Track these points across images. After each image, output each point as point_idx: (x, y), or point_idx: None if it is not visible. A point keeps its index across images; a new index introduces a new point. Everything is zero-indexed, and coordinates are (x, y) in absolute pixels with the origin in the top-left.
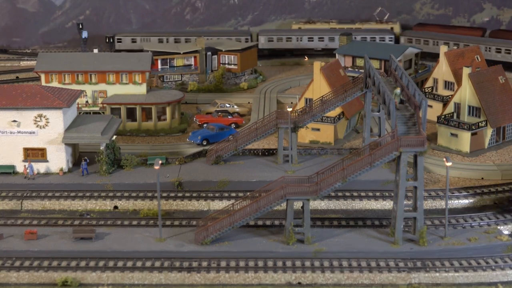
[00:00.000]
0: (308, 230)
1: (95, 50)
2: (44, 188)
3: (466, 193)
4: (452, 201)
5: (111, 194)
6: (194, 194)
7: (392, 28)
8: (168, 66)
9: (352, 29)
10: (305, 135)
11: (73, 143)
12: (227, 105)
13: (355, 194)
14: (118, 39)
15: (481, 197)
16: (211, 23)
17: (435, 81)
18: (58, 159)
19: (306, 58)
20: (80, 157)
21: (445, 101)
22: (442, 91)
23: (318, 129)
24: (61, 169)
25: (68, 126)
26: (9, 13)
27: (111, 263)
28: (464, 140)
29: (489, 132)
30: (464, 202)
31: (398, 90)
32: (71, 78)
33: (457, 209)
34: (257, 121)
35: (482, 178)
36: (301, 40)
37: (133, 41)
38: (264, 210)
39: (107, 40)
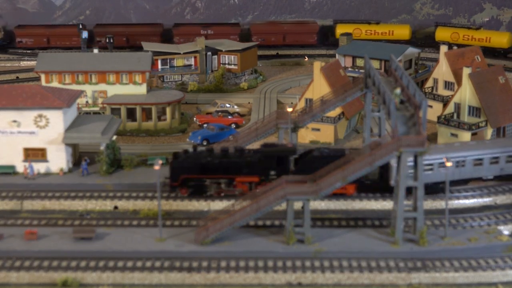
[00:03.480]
0: (308, 230)
1: (95, 50)
2: (44, 188)
3: (466, 193)
4: (452, 201)
5: (111, 194)
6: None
7: None
8: (168, 66)
9: None
10: (305, 135)
11: (73, 143)
12: (227, 105)
13: (355, 194)
14: None
15: (481, 197)
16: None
17: (435, 81)
18: (58, 159)
19: (306, 58)
20: (80, 157)
21: (445, 101)
22: (442, 91)
23: (318, 129)
24: (61, 169)
25: (68, 126)
26: (9, 13)
27: (111, 263)
28: (464, 140)
29: (489, 132)
30: (464, 202)
31: (398, 90)
32: (71, 78)
33: (457, 209)
34: (257, 121)
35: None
36: None
37: None
38: (264, 210)
39: (107, 40)
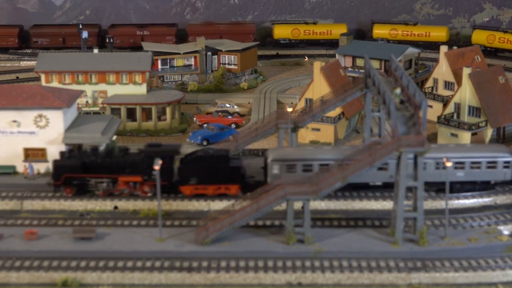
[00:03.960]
0: (308, 230)
1: (95, 50)
2: (44, 188)
3: (466, 193)
4: (452, 201)
5: (111, 194)
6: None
7: None
8: (168, 66)
9: None
10: (305, 135)
11: (73, 143)
12: (227, 105)
13: (355, 194)
14: None
15: (481, 197)
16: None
17: (435, 81)
18: None
19: (306, 58)
20: None
21: (445, 101)
22: (442, 91)
23: (318, 129)
24: None
25: (68, 126)
26: (9, 13)
27: (111, 263)
28: (464, 140)
29: (489, 132)
30: (464, 202)
31: (398, 90)
32: (71, 78)
33: (457, 209)
34: (257, 121)
35: None
36: None
37: None
38: (264, 210)
39: (107, 40)
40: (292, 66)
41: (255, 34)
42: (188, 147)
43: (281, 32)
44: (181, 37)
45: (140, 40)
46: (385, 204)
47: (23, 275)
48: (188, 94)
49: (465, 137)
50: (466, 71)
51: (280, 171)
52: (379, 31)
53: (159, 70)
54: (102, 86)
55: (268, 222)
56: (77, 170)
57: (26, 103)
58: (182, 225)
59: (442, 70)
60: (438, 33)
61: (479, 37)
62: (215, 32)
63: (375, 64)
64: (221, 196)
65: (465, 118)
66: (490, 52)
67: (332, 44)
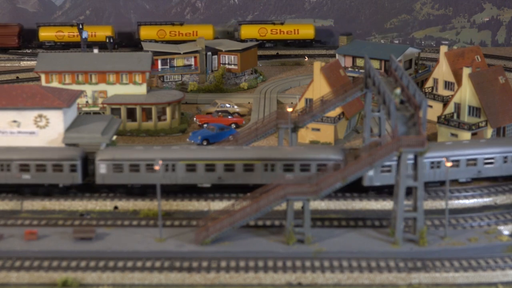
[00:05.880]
0: (308, 230)
1: (95, 50)
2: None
3: (466, 193)
4: (452, 201)
5: (111, 194)
6: (194, 194)
7: None
8: (168, 66)
9: None
10: (305, 135)
11: (73, 143)
12: (227, 105)
13: (355, 194)
14: None
15: (481, 197)
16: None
17: (435, 81)
18: None
19: (306, 58)
20: None
21: (445, 101)
22: (442, 91)
23: (318, 129)
24: None
25: (68, 126)
26: (9, 13)
27: (111, 263)
28: (464, 139)
29: (489, 132)
30: (464, 202)
31: (398, 90)
32: (71, 78)
33: (457, 209)
34: (257, 121)
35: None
36: None
37: None
38: (264, 210)
39: (107, 40)
40: (292, 66)
41: (21, 36)
42: None
43: (44, 34)
44: None
45: None
46: (385, 204)
47: (23, 275)
48: (188, 94)
49: (465, 137)
50: (466, 71)
51: None
52: (145, 32)
53: (159, 70)
54: (102, 86)
55: (268, 222)
56: None
57: (26, 103)
58: (182, 225)
59: (442, 70)
60: (206, 31)
61: (249, 32)
62: None
63: (375, 64)
64: (221, 196)
65: (465, 118)
66: (262, 44)
67: None
